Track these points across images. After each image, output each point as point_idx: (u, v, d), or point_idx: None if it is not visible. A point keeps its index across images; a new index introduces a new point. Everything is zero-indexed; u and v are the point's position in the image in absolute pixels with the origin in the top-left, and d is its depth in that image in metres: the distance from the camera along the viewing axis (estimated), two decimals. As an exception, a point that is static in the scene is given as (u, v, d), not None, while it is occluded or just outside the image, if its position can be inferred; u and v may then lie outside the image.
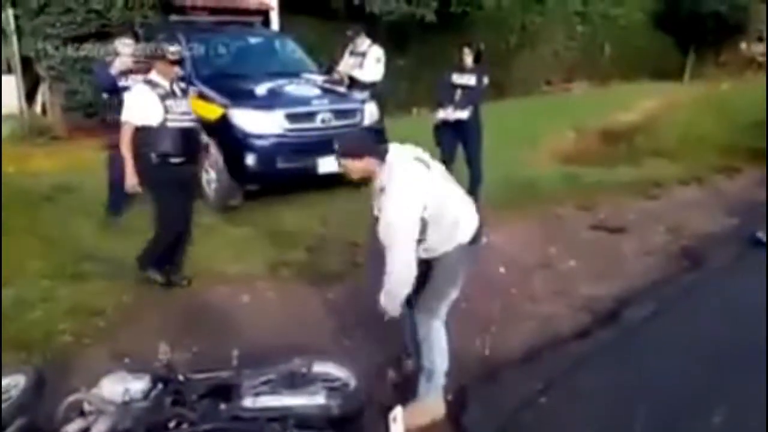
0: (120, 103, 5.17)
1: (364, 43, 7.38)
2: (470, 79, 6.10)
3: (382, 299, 2.97)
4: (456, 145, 6.19)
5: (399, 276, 2.87)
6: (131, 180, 4.35)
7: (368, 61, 7.26)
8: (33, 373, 2.79)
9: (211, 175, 6.22)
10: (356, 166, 2.92)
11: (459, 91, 6.11)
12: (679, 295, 4.53)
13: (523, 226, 5.74)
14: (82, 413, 2.56)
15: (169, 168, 4.29)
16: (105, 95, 5.54)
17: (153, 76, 4.32)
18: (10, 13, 9.26)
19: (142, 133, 4.25)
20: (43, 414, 2.54)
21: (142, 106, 4.24)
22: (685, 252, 5.38)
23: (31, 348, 3.53)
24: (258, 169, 5.98)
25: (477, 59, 6.21)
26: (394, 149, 2.95)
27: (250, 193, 6.24)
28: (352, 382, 2.95)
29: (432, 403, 3.13)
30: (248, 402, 2.68)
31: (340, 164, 2.97)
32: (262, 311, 4.25)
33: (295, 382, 2.90)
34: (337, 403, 2.71)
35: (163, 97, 4.25)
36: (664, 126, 9.85)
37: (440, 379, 3.13)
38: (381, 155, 2.90)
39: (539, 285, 4.65)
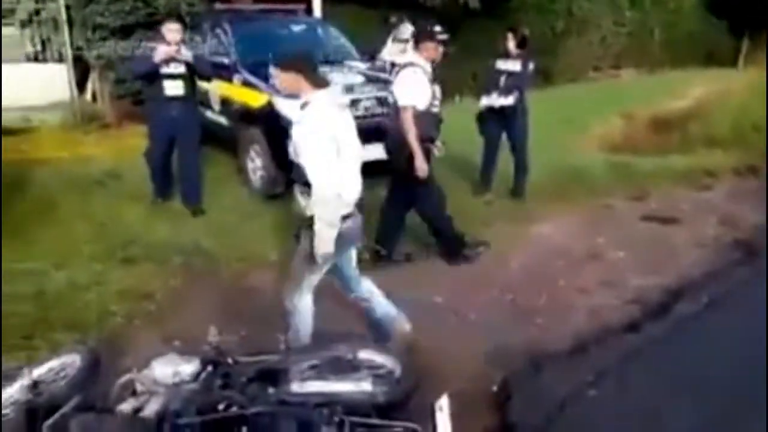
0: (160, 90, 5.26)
1: (407, 29, 7.33)
2: (515, 65, 5.98)
3: (318, 235, 3.01)
4: (500, 133, 6.09)
5: (323, 194, 2.97)
6: (422, 166, 4.37)
7: (411, 48, 7.18)
8: (88, 352, 2.86)
9: (257, 162, 6.26)
10: (284, 79, 3.09)
11: (504, 78, 5.99)
12: (732, 289, 4.37)
13: (571, 216, 5.63)
14: (134, 393, 2.59)
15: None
16: (142, 82, 5.63)
17: (416, 59, 4.38)
18: (61, 3, 9.49)
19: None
20: (98, 392, 2.58)
21: (421, 89, 4.32)
22: (739, 244, 5.19)
23: (84, 329, 3.62)
24: (302, 158, 5.99)
25: (522, 45, 6.08)
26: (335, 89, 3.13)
27: (293, 181, 6.24)
28: (397, 370, 2.94)
29: None
30: (296, 386, 2.68)
31: (273, 74, 3.17)
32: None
33: (341, 367, 2.90)
34: (383, 390, 2.69)
35: (429, 81, 4.36)
36: (717, 114, 9.50)
37: None
38: (313, 79, 3.06)
39: (588, 276, 4.55)
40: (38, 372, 2.74)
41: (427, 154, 4.53)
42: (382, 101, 6.27)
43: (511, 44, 6.02)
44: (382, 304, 3.60)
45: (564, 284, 4.42)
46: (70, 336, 3.51)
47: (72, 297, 3.99)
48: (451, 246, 4.78)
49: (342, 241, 3.17)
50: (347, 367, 2.90)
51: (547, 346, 3.65)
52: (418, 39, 4.58)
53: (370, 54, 7.42)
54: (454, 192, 6.22)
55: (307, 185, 3.10)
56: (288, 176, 6.01)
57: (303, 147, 3.05)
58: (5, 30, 9.74)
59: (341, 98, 3.36)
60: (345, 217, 3.16)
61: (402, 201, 4.76)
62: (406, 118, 4.41)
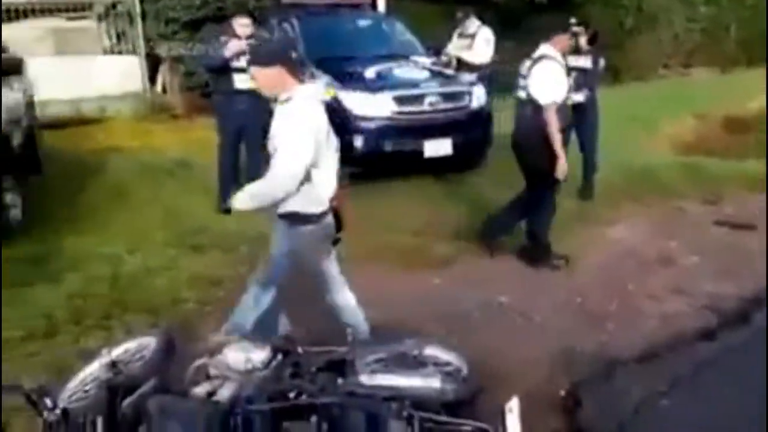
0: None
1: (473, 24, 7.24)
2: (586, 62, 5.83)
3: (247, 192, 2.96)
4: (569, 131, 5.95)
5: (279, 182, 2.88)
6: (564, 168, 4.33)
7: (477, 43, 7.13)
8: (162, 335, 2.94)
9: (319, 156, 6.31)
10: (266, 75, 2.94)
11: (573, 74, 5.85)
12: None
13: (642, 217, 5.46)
14: (207, 377, 2.65)
15: None
16: (210, 75, 5.73)
17: (550, 51, 4.32)
18: (136, -3, 9.82)
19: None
20: (172, 375, 2.65)
21: (561, 83, 4.28)
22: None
23: (157, 312, 3.73)
24: (365, 152, 6.02)
25: (593, 41, 5.92)
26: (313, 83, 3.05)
27: (355, 176, 6.28)
28: (464, 368, 2.91)
29: None
30: (364, 379, 2.68)
31: (252, 75, 3.00)
32: (369, 291, 4.26)
33: (407, 363, 2.89)
34: (453, 387, 2.67)
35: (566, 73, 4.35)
36: (797, 116, 9.02)
37: None
38: (294, 70, 2.95)
39: (660, 281, 4.40)
40: (116, 352, 2.82)
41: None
42: (447, 96, 6.24)
43: (582, 40, 5.87)
44: (351, 313, 3.48)
45: (635, 289, 4.28)
46: (144, 319, 3.62)
47: (145, 281, 4.12)
48: (540, 252, 4.66)
49: (320, 239, 3.17)
50: (413, 363, 2.89)
51: (617, 352, 3.54)
52: (551, 30, 4.45)
53: (435, 49, 7.38)
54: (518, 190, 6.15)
55: None
56: (349, 170, 6.15)
57: (280, 140, 2.93)
58: (84, 23, 10.15)
59: (323, 95, 3.23)
60: (321, 215, 3.10)
61: (522, 201, 4.64)
62: (551, 119, 4.27)
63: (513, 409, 2.80)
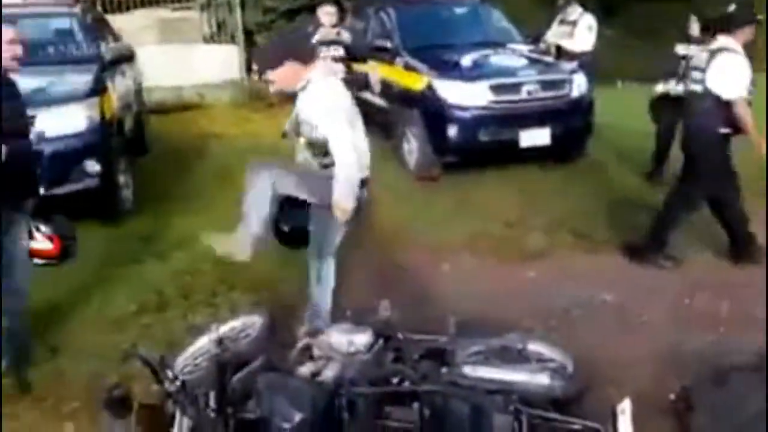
0: None
1: (575, 11, 7.00)
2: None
3: (338, 191, 2.99)
4: (677, 122, 5.64)
5: (348, 158, 2.93)
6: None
7: (579, 30, 6.88)
8: (266, 315, 3.01)
9: (413, 144, 6.30)
10: (281, 76, 2.99)
11: (683, 64, 5.53)
12: None
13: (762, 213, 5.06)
14: (311, 358, 2.70)
15: None
16: None
17: (730, 43, 4.18)
18: (235, -12, 10.14)
19: None
20: (277, 354, 2.71)
21: (746, 76, 4.19)
22: None
23: (259, 291, 3.83)
24: (460, 141, 5.94)
25: (706, 29, 5.56)
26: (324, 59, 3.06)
27: (449, 165, 6.24)
28: (569, 366, 2.81)
29: None
30: (467, 370, 2.64)
31: (264, 81, 3.09)
32: (462, 281, 4.23)
33: (508, 357, 2.83)
34: (561, 384, 2.58)
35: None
36: None
37: None
38: (304, 59, 2.99)
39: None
40: (223, 329, 2.91)
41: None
42: (546, 84, 6.07)
43: (695, 27, 5.54)
44: (324, 294, 3.43)
45: (751, 292, 4.00)
46: (247, 297, 3.73)
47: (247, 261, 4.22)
48: (741, 244, 4.40)
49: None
50: (516, 358, 2.82)
51: (729, 358, 3.32)
52: (735, 21, 4.25)
53: (533, 37, 7.18)
54: (625, 181, 5.92)
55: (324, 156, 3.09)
56: (443, 159, 6.11)
57: (324, 130, 3.00)
58: (187, 13, 10.59)
59: (335, 66, 3.24)
60: (362, 183, 3.13)
61: (696, 198, 4.39)
62: (742, 112, 4.11)
63: (625, 411, 2.68)
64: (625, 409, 2.67)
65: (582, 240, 4.79)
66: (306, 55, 3.10)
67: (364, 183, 3.20)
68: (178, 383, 2.36)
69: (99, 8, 8.70)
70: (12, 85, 3.12)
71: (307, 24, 5.65)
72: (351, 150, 2.98)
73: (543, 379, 2.57)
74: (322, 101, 2.99)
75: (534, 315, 3.73)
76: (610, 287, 4.05)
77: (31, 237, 3.14)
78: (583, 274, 4.27)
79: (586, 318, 3.74)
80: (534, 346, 2.88)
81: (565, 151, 6.37)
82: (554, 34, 7.05)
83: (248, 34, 10.06)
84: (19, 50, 2.98)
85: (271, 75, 3.04)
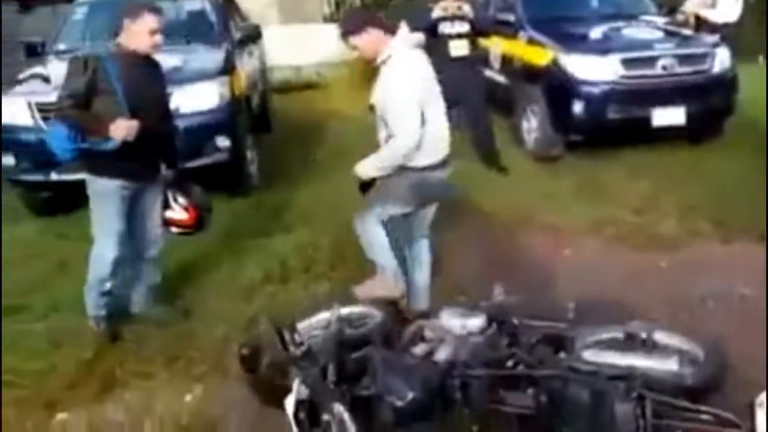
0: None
1: (719, -22, 6.41)
2: None
3: (370, 160, 2.99)
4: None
5: (400, 147, 2.89)
6: None
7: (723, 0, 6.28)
8: (387, 309, 3.02)
9: (533, 123, 6.08)
10: (364, 43, 2.93)
11: None
12: None
13: None
14: (422, 339, 2.69)
15: None
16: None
17: None
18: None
19: None
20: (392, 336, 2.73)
21: None
22: None
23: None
24: (585, 119, 5.66)
25: None
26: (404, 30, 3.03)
27: (572, 144, 5.97)
28: (700, 356, 2.61)
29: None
30: (588, 355, 2.53)
31: (348, 45, 3.01)
32: (585, 268, 4.02)
33: (633, 346, 2.67)
34: (692, 372, 2.40)
35: None
36: None
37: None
38: (385, 26, 2.95)
39: None
40: (345, 311, 2.96)
41: None
42: (684, 59, 5.62)
43: None
44: (420, 273, 3.35)
45: None
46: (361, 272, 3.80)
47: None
48: None
49: (424, 190, 3.07)
50: (641, 347, 2.66)
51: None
52: None
53: (669, 7, 6.66)
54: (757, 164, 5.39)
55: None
56: (566, 138, 5.86)
57: (389, 107, 2.91)
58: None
59: (416, 37, 3.11)
60: (435, 167, 3.05)
61: None
62: None
63: (763, 404, 2.47)
64: (763, 401, 2.45)
65: (718, 228, 4.40)
66: (389, 24, 3.06)
67: (444, 163, 3.13)
68: (303, 349, 2.45)
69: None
70: (156, 65, 3.35)
71: (427, 7, 5.52)
72: (410, 132, 2.89)
73: (671, 365, 2.42)
74: (397, 74, 2.92)
75: (663, 307, 3.47)
76: (749, 280, 3.69)
77: (167, 207, 3.35)
78: (719, 265, 3.92)
79: (721, 313, 3.45)
80: (661, 335, 2.71)
81: (700, 132, 5.91)
82: (693, 4, 6.51)
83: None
84: (159, 39, 3.15)
85: (352, 40, 3.01)
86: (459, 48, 5.41)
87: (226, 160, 5.02)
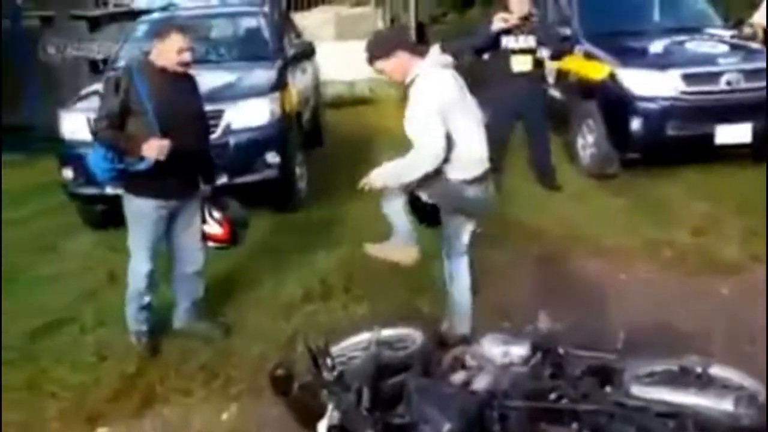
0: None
1: (791, -13, 6.07)
2: None
3: (382, 170, 2.92)
4: None
5: (417, 162, 2.83)
6: None
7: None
8: (430, 332, 2.96)
9: (588, 139, 5.91)
10: (391, 67, 2.91)
11: None
12: None
13: None
14: (463, 366, 2.60)
15: None
16: (487, 57, 5.56)
17: None
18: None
19: None
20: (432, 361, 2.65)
21: None
22: None
23: (418, 292, 3.81)
24: (644, 136, 5.46)
25: None
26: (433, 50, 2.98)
27: (629, 162, 5.76)
28: (761, 394, 2.42)
29: None
30: (636, 390, 2.38)
31: (375, 70, 3.00)
32: (640, 293, 3.84)
33: (687, 381, 2.50)
34: (749, 413, 2.22)
35: None
36: None
37: None
38: (413, 49, 2.93)
39: None
40: (386, 333, 2.90)
41: None
42: (750, 74, 5.36)
43: None
44: (460, 293, 3.24)
45: None
46: (403, 295, 3.75)
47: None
48: None
49: (457, 201, 3.04)
50: (695, 382, 2.49)
51: None
52: None
53: (736, 19, 6.36)
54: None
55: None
56: (623, 156, 5.64)
57: (412, 124, 2.88)
58: (363, 9, 10.93)
59: (445, 58, 2.99)
60: (471, 182, 2.99)
61: None
62: None
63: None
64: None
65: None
66: (417, 46, 3.05)
67: (481, 179, 3.07)
68: (335, 373, 2.40)
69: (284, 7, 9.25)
70: (191, 81, 3.33)
71: (484, 17, 5.42)
72: (433, 149, 2.84)
73: (727, 405, 2.24)
74: (422, 97, 2.88)
75: (724, 338, 3.28)
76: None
77: (204, 221, 3.36)
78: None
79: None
80: (718, 370, 2.53)
81: (767, 150, 5.59)
82: (763, 16, 6.18)
83: (421, 29, 10.13)
84: (187, 57, 3.14)
85: (379, 64, 2.98)
86: (522, 63, 5.26)
87: (276, 177, 5.06)
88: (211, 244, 3.40)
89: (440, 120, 2.85)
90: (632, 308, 3.60)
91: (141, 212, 3.19)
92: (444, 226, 3.21)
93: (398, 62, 2.94)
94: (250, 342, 3.39)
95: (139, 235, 3.23)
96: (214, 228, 3.35)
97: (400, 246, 3.14)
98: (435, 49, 3.10)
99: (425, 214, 3.20)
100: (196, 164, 3.33)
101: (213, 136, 4.78)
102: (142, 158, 3.02)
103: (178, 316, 3.48)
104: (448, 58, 3.13)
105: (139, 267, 3.23)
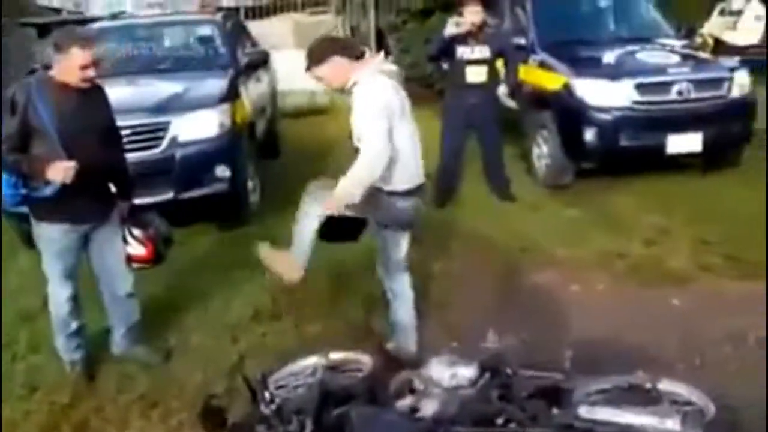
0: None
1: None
2: None
3: (343, 183, 2.81)
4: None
5: (370, 162, 2.77)
6: None
7: (744, 21, 6.09)
8: (380, 354, 2.90)
9: (543, 149, 5.91)
10: (327, 72, 2.89)
11: None
12: None
13: None
14: (411, 391, 2.52)
15: None
16: (445, 67, 5.53)
17: None
18: (372, -10, 10.21)
19: None
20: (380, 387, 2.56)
21: None
22: None
23: (370, 307, 3.71)
24: (597, 146, 5.49)
25: None
26: (373, 57, 3.00)
27: (583, 172, 5.78)
28: (709, 410, 2.40)
29: None
30: (583, 411, 2.34)
31: (314, 77, 2.96)
32: (593, 305, 3.83)
33: (636, 397, 2.47)
34: (694, 431, 2.19)
35: None
36: None
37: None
38: (350, 54, 2.90)
39: None
40: (334, 357, 2.80)
41: None
42: (701, 84, 5.43)
43: None
44: (403, 311, 3.20)
45: None
46: (357, 313, 3.65)
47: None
48: None
49: (395, 217, 3.01)
50: (644, 398, 2.46)
51: None
52: None
53: (687, 29, 6.46)
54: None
55: None
56: (577, 166, 5.66)
57: (359, 127, 2.83)
58: (322, 17, 10.84)
59: (387, 65, 3.02)
60: (405, 194, 2.95)
61: None
62: None
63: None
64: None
65: (734, 263, 4.17)
66: (354, 51, 2.96)
67: (419, 190, 3.04)
68: (273, 407, 2.29)
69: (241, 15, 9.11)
70: (99, 94, 3.06)
71: (443, 25, 5.37)
72: (378, 147, 2.78)
73: (673, 425, 2.21)
74: (364, 100, 2.84)
75: (676, 350, 3.27)
76: (765, 322, 3.46)
77: (125, 242, 3.17)
78: (735, 305, 3.70)
79: (737, 358, 3.22)
80: (667, 385, 2.51)
81: (717, 160, 5.70)
82: (713, 26, 6.30)
83: (381, 36, 10.09)
84: (90, 74, 2.87)
85: (316, 71, 2.93)
86: (476, 74, 5.23)
87: (226, 190, 4.90)
88: (135, 265, 3.21)
89: (386, 120, 2.82)
90: (585, 321, 3.58)
91: (50, 238, 2.98)
92: (379, 241, 3.17)
93: (335, 68, 2.89)
94: (192, 368, 3.23)
95: (52, 261, 3.02)
96: (136, 248, 3.17)
97: (292, 261, 3.05)
98: (378, 57, 3.08)
99: (337, 229, 3.09)
100: (109, 182, 3.11)
101: (158, 150, 4.68)
102: (47, 182, 2.79)
103: (115, 341, 3.31)
104: (393, 68, 3.10)
105: (58, 293, 3.05)
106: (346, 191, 2.83)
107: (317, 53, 2.94)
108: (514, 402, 2.43)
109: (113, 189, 3.16)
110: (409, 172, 2.99)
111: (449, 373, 2.50)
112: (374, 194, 2.94)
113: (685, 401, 2.46)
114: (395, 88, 2.97)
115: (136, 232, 3.17)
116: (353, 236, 3.20)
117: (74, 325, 3.12)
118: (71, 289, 3.06)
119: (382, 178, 2.88)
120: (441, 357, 2.59)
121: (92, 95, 3.00)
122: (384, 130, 2.79)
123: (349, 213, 3.01)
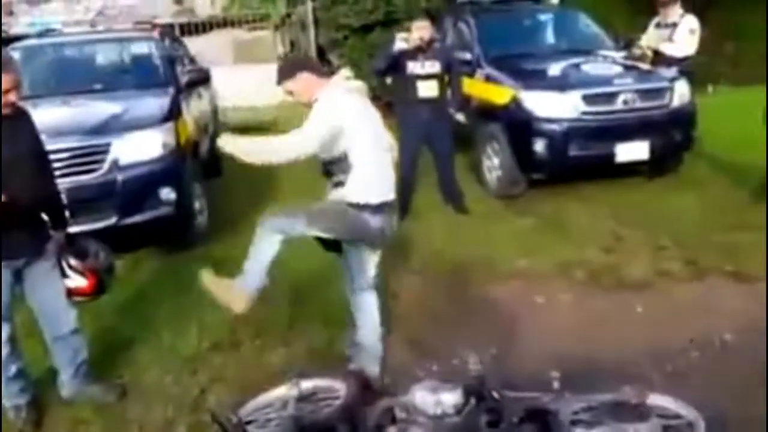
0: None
1: (675, 12, 6.44)
2: None
3: (246, 142, 2.93)
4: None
5: (290, 146, 2.82)
6: None
7: (680, 34, 6.32)
8: (355, 379, 2.74)
9: (494, 161, 5.93)
10: (297, 86, 2.97)
11: None
12: None
13: None
14: (393, 420, 2.38)
15: None
16: (394, 83, 5.48)
17: None
18: (309, 6, 10.09)
19: None
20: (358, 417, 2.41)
21: None
22: None
23: (335, 327, 3.55)
24: (547, 157, 5.52)
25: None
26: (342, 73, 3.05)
27: (534, 182, 5.82)
28: (699, 423, 2.37)
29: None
30: (575, 433, 2.26)
31: (285, 91, 3.02)
32: (560, 316, 3.81)
33: (623, 413, 2.42)
34: None
35: None
36: None
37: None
38: (318, 71, 3.04)
39: None
40: (305, 386, 2.66)
41: None
42: (644, 93, 5.56)
43: None
44: (367, 331, 3.14)
45: None
46: (322, 334, 3.50)
47: (322, 290, 3.96)
48: None
49: (362, 232, 2.96)
50: (632, 414, 2.41)
51: None
52: None
53: (625, 42, 6.64)
54: (727, 197, 5.33)
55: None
56: (528, 176, 5.70)
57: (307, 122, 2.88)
58: (261, 33, 10.65)
59: (351, 81, 3.05)
60: (373, 209, 2.92)
61: None
62: None
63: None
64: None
65: (689, 266, 4.26)
66: (320, 69, 3.10)
67: (389, 206, 3.02)
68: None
69: (177, 31, 8.81)
70: (23, 118, 2.79)
71: (390, 41, 5.32)
72: (300, 144, 2.82)
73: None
74: (318, 108, 2.89)
75: (645, 358, 3.25)
76: (728, 324, 3.52)
77: (64, 275, 2.91)
78: (695, 308, 3.76)
79: (707, 362, 3.24)
80: (655, 399, 2.47)
81: (661, 166, 5.86)
82: (650, 39, 6.50)
83: (322, 53, 9.97)
84: (12, 98, 2.61)
85: (287, 85, 3.01)
86: (428, 89, 5.20)
87: (172, 214, 4.64)
88: (76, 298, 2.95)
89: (329, 132, 2.82)
90: (555, 332, 3.55)
91: None
92: (346, 262, 3.09)
93: (304, 83, 2.98)
94: (150, 405, 2.99)
95: None
96: (76, 280, 2.90)
97: (238, 290, 2.93)
98: (341, 73, 3.09)
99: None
100: (40, 212, 2.85)
101: (98, 173, 4.39)
102: None
103: (63, 383, 3.02)
104: (355, 84, 3.07)
105: None
106: (248, 148, 2.87)
107: (288, 69, 3.04)
108: (504, 428, 2.34)
109: (46, 219, 2.90)
110: (378, 186, 2.97)
111: (433, 400, 2.38)
112: (344, 210, 2.91)
113: (674, 415, 2.43)
114: (359, 102, 3.00)
115: (75, 263, 2.90)
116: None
117: (14, 368, 2.83)
118: (7, 330, 2.78)
119: (347, 191, 2.89)
120: (423, 384, 2.47)
121: (17, 121, 2.71)
122: (319, 136, 2.81)
123: (319, 234, 2.94)
